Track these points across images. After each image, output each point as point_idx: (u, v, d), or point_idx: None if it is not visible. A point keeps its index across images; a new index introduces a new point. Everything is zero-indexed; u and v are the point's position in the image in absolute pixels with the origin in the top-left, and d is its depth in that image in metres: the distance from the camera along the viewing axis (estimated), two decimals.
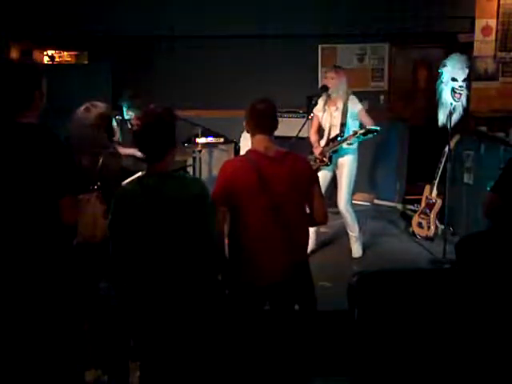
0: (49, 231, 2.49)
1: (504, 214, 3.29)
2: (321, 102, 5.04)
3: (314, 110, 5.12)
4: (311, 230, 5.31)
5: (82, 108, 3.23)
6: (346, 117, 4.97)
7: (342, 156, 5.03)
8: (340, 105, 4.98)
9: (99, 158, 3.13)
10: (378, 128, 4.75)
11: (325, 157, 5.01)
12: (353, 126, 4.99)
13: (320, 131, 5.22)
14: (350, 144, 4.88)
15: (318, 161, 5.06)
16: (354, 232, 5.18)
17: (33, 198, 2.45)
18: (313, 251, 5.07)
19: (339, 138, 4.94)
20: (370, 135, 4.79)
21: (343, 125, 4.98)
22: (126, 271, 2.52)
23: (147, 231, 2.46)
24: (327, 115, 5.05)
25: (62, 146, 2.53)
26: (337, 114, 5.00)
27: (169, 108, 2.56)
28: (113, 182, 3.14)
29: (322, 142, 5.12)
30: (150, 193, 2.44)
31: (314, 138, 5.16)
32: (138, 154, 2.63)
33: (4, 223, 2.44)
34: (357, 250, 5.20)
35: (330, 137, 5.06)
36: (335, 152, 5.00)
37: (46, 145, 2.46)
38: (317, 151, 5.07)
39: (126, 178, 4.10)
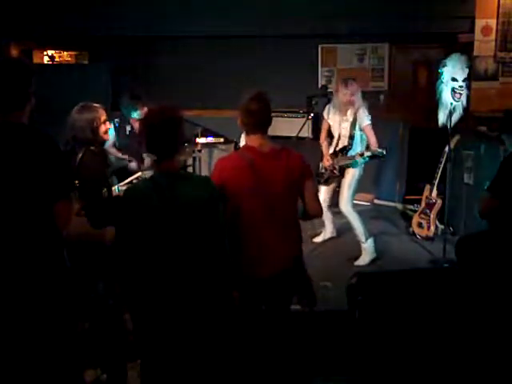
0: (42, 235, 2.42)
1: (501, 214, 3.28)
2: (330, 108, 5.10)
3: (325, 115, 5.18)
4: (328, 218, 5.39)
5: (77, 108, 3.21)
6: (354, 129, 5.00)
7: None
8: (350, 116, 5.01)
9: (78, 155, 3.06)
10: (384, 152, 4.73)
11: (335, 169, 5.08)
12: (360, 138, 5.03)
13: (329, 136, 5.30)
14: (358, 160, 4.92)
15: (328, 171, 5.13)
16: (360, 238, 5.08)
17: (26, 202, 2.36)
18: (313, 251, 5.07)
19: (349, 153, 5.00)
20: (375, 158, 4.84)
21: (351, 137, 5.02)
22: (133, 270, 2.51)
23: (159, 230, 2.44)
24: (337, 124, 5.10)
25: (57, 149, 2.45)
26: (346, 125, 5.05)
27: (174, 106, 2.55)
28: (91, 182, 3.06)
29: (330, 150, 5.19)
30: (162, 192, 2.43)
31: (324, 145, 5.25)
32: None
33: None
34: (361, 258, 5.08)
35: (338, 147, 5.11)
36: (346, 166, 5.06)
37: (41, 147, 2.37)
38: (326, 163, 5.14)
39: (121, 179, 4.09)
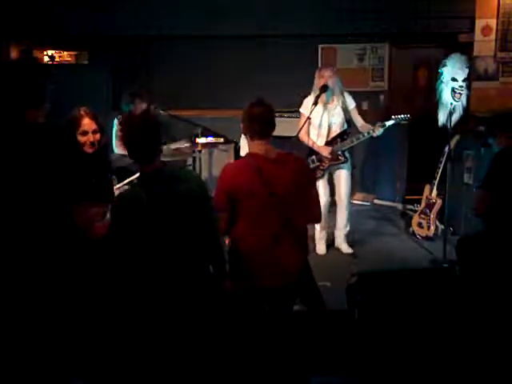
0: (62, 236, 2.40)
1: (495, 211, 3.28)
2: (309, 102, 4.93)
3: (304, 111, 5.03)
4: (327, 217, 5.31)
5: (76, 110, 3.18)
6: (348, 112, 5.03)
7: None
8: (339, 101, 5.01)
9: None
10: (408, 116, 4.98)
11: (340, 155, 5.02)
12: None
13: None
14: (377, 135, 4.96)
15: (327, 161, 5.02)
16: (346, 228, 5.20)
17: (46, 203, 2.34)
18: (313, 251, 5.07)
19: (349, 136, 5.01)
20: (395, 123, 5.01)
21: (348, 121, 5.05)
22: (126, 271, 2.51)
23: (153, 233, 2.44)
24: (325, 114, 5.00)
25: (76, 147, 2.47)
26: (338, 111, 5.02)
27: (148, 110, 2.58)
28: None
29: (319, 141, 5.05)
30: (153, 194, 2.43)
31: (311, 140, 5.04)
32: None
33: (16, 229, 2.32)
34: (348, 247, 5.24)
35: (331, 135, 5.04)
36: (347, 149, 5.07)
37: (64, 146, 2.37)
38: (325, 152, 4.98)
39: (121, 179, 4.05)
